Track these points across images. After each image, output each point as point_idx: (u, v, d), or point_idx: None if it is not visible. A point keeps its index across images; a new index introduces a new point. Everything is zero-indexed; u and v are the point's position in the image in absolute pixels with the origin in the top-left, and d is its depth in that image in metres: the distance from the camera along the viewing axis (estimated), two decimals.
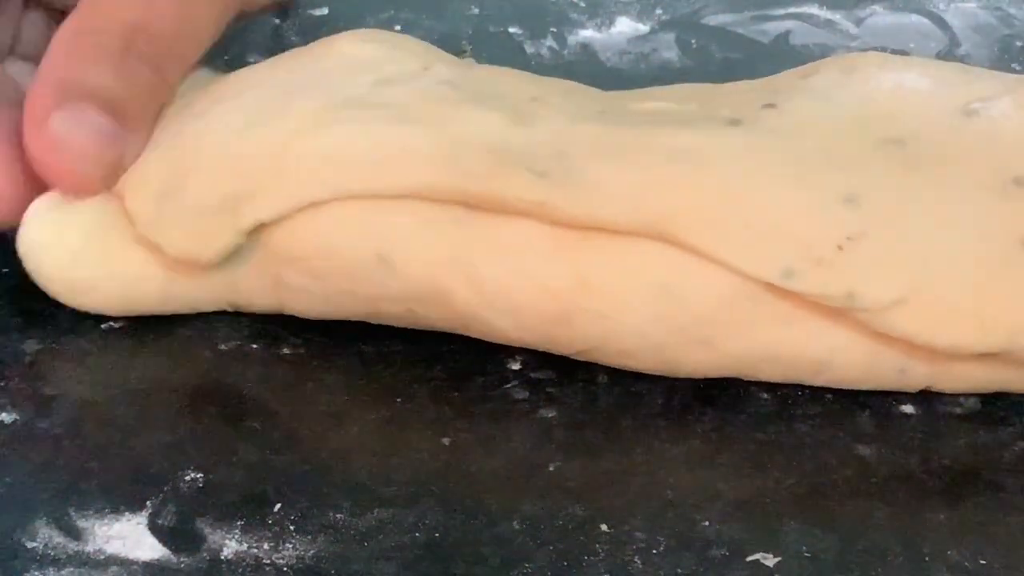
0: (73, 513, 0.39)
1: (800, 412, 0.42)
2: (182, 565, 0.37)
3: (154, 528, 0.38)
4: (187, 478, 0.40)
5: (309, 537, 0.38)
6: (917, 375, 0.41)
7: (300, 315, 0.44)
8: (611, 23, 0.58)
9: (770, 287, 0.40)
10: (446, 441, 0.41)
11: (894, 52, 0.49)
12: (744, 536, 0.38)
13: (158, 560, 0.37)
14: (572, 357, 0.42)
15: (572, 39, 0.58)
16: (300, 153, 0.42)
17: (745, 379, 0.42)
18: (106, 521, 0.38)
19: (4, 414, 0.42)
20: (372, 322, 0.43)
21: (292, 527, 0.38)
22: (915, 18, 0.59)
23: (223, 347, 0.44)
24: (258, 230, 0.42)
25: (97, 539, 0.38)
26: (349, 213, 0.41)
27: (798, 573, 0.37)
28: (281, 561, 0.37)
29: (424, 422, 0.41)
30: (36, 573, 0.37)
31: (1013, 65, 0.56)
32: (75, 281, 0.44)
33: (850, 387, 0.42)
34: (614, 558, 0.37)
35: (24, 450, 0.41)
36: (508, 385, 0.43)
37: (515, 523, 0.38)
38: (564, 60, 0.56)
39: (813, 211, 0.40)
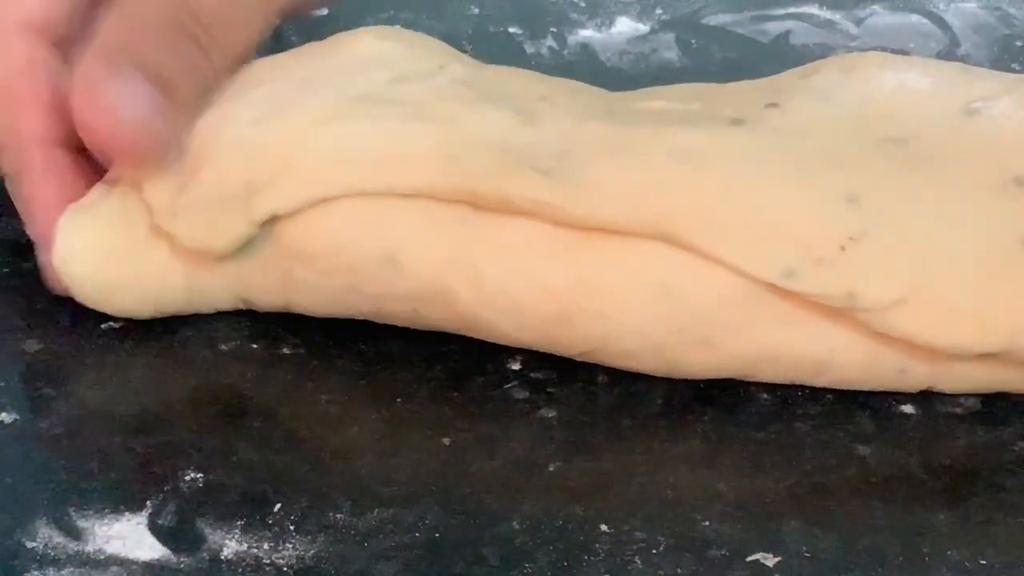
0: (73, 513, 0.39)
1: (800, 412, 0.42)
2: (182, 565, 0.37)
3: (154, 528, 0.38)
4: (187, 478, 0.40)
5: (309, 537, 0.38)
6: (917, 375, 0.41)
7: (307, 312, 0.44)
8: (611, 23, 0.58)
9: (771, 287, 0.40)
10: (446, 441, 0.41)
11: (894, 52, 0.49)
12: (744, 536, 0.38)
13: (158, 560, 0.37)
14: (574, 358, 0.42)
15: (572, 39, 0.58)
16: (314, 146, 0.42)
17: (745, 379, 0.42)
18: (106, 521, 0.38)
19: (4, 414, 0.42)
20: (377, 321, 0.43)
21: (292, 527, 0.38)
22: (915, 18, 0.59)
23: (223, 347, 0.44)
24: (270, 224, 0.42)
25: (97, 539, 0.38)
26: (359, 210, 0.42)
27: (798, 573, 0.37)
28: (281, 561, 0.37)
29: (424, 422, 0.41)
30: (36, 573, 0.37)
31: (1013, 65, 0.56)
32: (105, 283, 0.44)
33: (850, 387, 0.42)
34: (614, 558, 0.37)
35: (24, 450, 0.41)
36: (508, 385, 0.43)
37: (515, 523, 0.38)
38: (564, 60, 0.56)
39: (814, 211, 0.40)
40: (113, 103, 0.42)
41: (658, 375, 0.42)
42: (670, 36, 0.58)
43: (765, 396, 0.42)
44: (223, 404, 0.42)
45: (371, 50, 0.45)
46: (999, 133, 0.42)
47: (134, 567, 0.37)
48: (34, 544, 0.38)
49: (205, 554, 0.38)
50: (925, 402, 0.42)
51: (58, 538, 0.38)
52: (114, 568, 0.37)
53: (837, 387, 0.42)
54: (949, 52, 0.57)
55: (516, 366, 0.43)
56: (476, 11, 0.59)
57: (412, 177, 0.41)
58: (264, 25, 0.47)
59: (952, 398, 0.42)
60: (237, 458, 0.40)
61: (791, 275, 0.39)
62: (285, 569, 0.37)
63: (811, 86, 0.44)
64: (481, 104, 0.43)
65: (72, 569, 0.37)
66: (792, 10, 0.59)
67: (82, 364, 0.43)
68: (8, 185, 0.45)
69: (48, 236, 0.43)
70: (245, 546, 0.38)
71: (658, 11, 0.59)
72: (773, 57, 0.56)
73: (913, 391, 0.42)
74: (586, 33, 0.58)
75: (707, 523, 0.38)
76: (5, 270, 0.46)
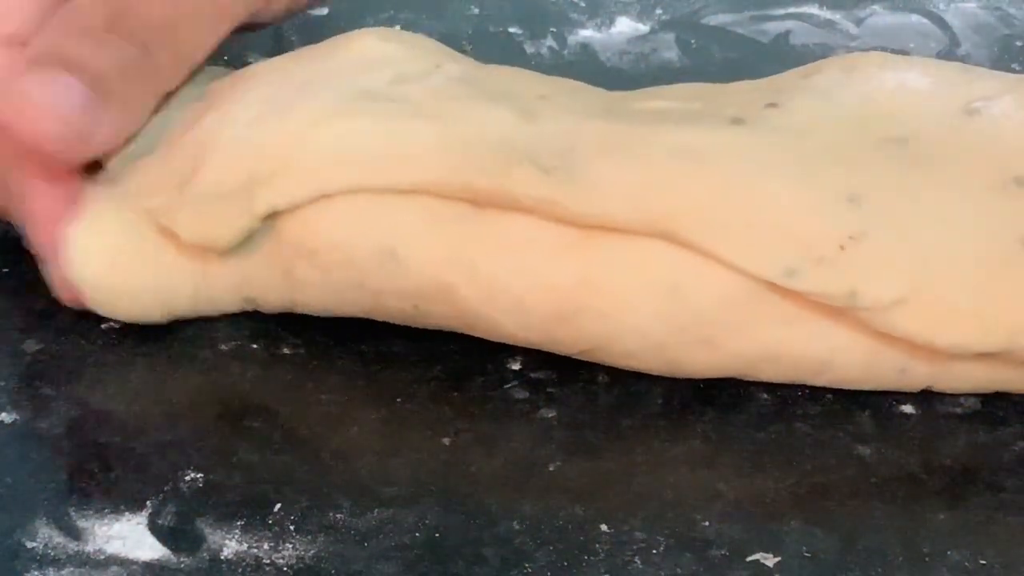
0: (73, 513, 0.39)
1: (800, 412, 0.42)
2: (182, 565, 0.37)
3: (154, 528, 0.38)
4: (187, 478, 0.40)
5: (309, 537, 0.38)
6: (917, 375, 0.41)
7: (311, 311, 0.44)
8: (611, 23, 0.58)
9: (772, 286, 0.40)
10: (446, 441, 0.41)
11: (894, 52, 0.49)
12: (744, 536, 0.38)
13: (158, 560, 0.37)
14: (575, 357, 0.42)
15: (572, 39, 0.58)
16: (314, 144, 0.42)
17: (746, 379, 0.42)
18: (106, 521, 0.38)
19: (4, 414, 0.42)
20: (378, 319, 0.43)
21: (292, 527, 0.38)
22: (915, 18, 0.59)
23: (223, 347, 0.44)
24: (271, 220, 0.42)
25: (97, 539, 0.38)
26: (359, 207, 0.42)
27: (798, 573, 0.37)
28: (281, 561, 0.37)
29: (424, 422, 0.41)
30: (36, 573, 0.37)
31: (1013, 65, 0.56)
32: (118, 289, 0.43)
33: (850, 387, 0.42)
34: (614, 558, 0.37)
35: (24, 450, 0.41)
36: (508, 385, 0.43)
37: (515, 523, 0.38)
38: (564, 60, 0.56)
39: (815, 210, 0.40)
40: (27, 96, 0.42)
41: (659, 374, 0.42)
42: (670, 36, 0.58)
43: (765, 396, 0.42)
44: (223, 404, 0.42)
45: (370, 51, 0.45)
46: (999, 133, 0.42)
47: (134, 567, 0.37)
48: (34, 544, 0.38)
49: (205, 554, 0.38)
50: (925, 402, 0.42)
51: (58, 538, 0.38)
52: (114, 568, 0.37)
53: (837, 387, 0.42)
54: (949, 52, 0.57)
55: (516, 366, 0.43)
56: (476, 11, 0.59)
57: (413, 174, 0.41)
58: (221, 27, 0.46)
59: (952, 398, 0.42)
60: (237, 458, 0.40)
61: (792, 274, 0.39)
62: (285, 569, 0.37)
63: (811, 86, 0.44)
64: (482, 102, 0.43)
65: (72, 569, 0.37)
66: (792, 10, 0.59)
67: (82, 364, 0.43)
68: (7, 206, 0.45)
69: (53, 247, 0.43)
70: (245, 546, 0.38)
71: (658, 11, 0.59)
72: (773, 57, 0.56)
73: (913, 391, 0.42)
74: (586, 33, 0.58)
75: (707, 523, 0.38)
76: (5, 270, 0.46)
